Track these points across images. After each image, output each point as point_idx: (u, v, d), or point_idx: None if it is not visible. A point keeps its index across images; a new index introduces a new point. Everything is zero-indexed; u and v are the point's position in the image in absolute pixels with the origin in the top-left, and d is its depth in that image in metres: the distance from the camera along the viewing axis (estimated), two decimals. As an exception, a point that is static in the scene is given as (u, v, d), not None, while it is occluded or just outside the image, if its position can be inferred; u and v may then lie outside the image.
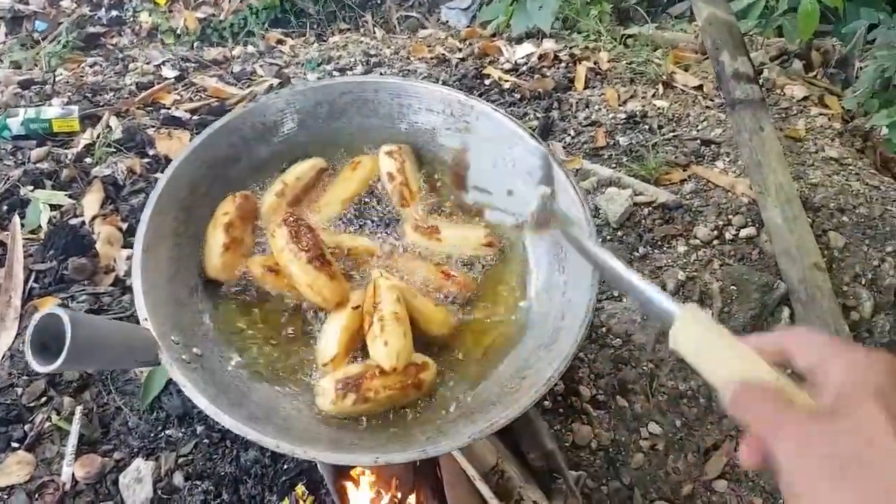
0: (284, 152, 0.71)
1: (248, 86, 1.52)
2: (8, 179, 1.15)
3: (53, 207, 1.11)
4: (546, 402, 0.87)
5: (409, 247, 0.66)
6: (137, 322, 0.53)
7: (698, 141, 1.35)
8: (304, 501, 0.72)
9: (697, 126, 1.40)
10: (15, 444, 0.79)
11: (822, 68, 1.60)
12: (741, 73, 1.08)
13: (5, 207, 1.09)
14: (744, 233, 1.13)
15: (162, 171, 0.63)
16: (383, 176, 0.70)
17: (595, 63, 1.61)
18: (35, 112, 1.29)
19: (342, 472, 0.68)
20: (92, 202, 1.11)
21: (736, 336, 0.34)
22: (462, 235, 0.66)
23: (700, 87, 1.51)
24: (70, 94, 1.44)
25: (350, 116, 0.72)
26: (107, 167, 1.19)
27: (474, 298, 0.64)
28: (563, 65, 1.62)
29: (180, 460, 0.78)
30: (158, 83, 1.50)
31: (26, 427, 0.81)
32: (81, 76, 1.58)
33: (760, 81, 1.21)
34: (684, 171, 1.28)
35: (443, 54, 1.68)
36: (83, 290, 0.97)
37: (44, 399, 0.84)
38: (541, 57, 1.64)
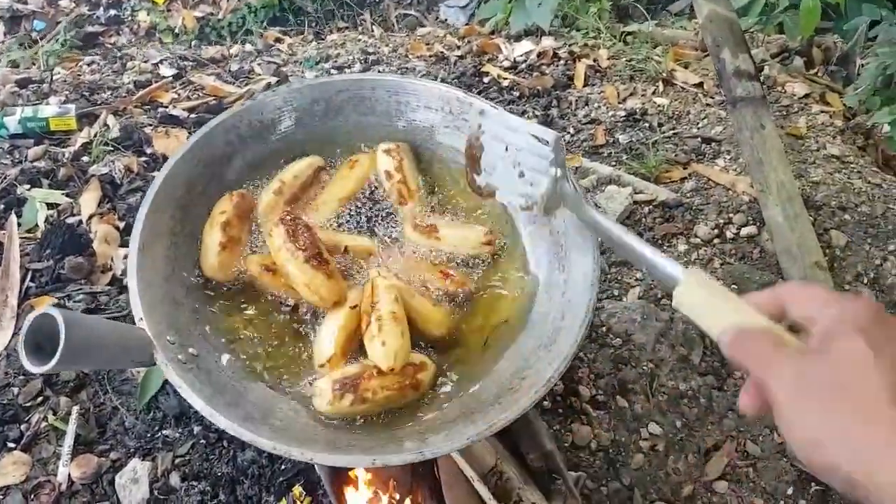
0: (282, 150, 0.70)
1: (246, 84, 1.52)
2: (5, 178, 1.15)
3: (50, 206, 1.10)
4: (545, 403, 0.87)
5: (408, 245, 0.66)
6: (133, 322, 0.52)
7: (699, 139, 1.34)
8: (302, 502, 0.72)
9: (698, 124, 1.39)
10: (11, 444, 0.79)
11: (823, 65, 1.59)
12: (742, 71, 1.07)
13: (2, 206, 1.09)
14: (745, 231, 1.12)
15: (159, 170, 0.62)
16: (381, 174, 0.69)
17: (594, 60, 1.60)
18: (32, 111, 1.29)
19: (339, 473, 0.67)
20: (89, 201, 1.10)
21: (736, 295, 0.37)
22: (461, 234, 0.66)
23: (700, 85, 1.50)
24: (67, 92, 1.44)
25: (347, 114, 0.71)
26: (104, 166, 1.18)
27: (473, 298, 0.63)
28: (562, 62, 1.61)
29: (177, 461, 0.78)
30: (156, 82, 1.50)
31: (22, 427, 0.80)
32: (79, 75, 1.57)
33: (761, 79, 1.20)
34: (684, 169, 1.27)
35: (441, 52, 1.68)
36: (80, 289, 0.97)
37: (40, 399, 0.83)
38: (540, 54, 1.64)
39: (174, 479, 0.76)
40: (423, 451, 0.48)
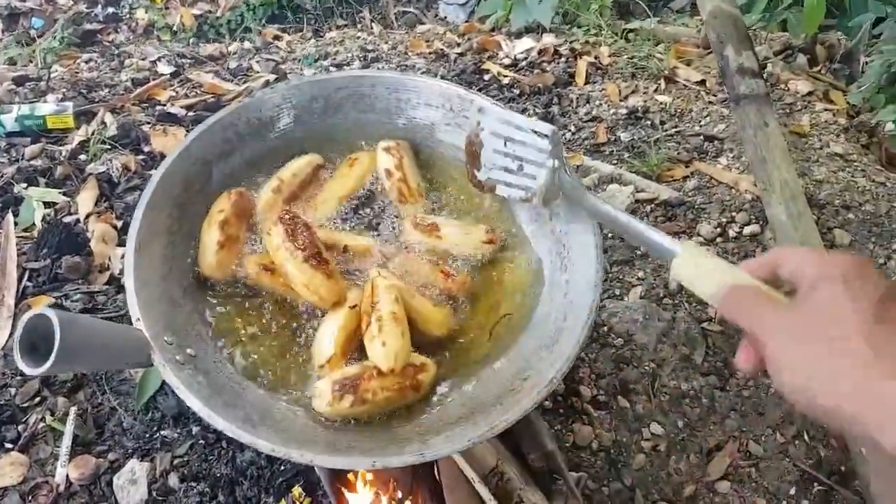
0: (280, 148, 0.69)
1: (245, 82, 1.51)
2: (1, 177, 1.14)
3: (47, 205, 1.09)
4: (546, 403, 0.86)
5: (408, 244, 0.65)
6: (131, 322, 0.52)
7: (701, 137, 1.33)
8: (301, 503, 0.71)
9: (700, 121, 1.38)
10: (8, 445, 0.78)
11: (826, 63, 1.58)
12: (746, 68, 1.06)
13: (-1, 205, 1.08)
14: (748, 230, 1.11)
15: (157, 168, 0.61)
16: (381, 172, 0.68)
17: (596, 58, 1.59)
18: (29, 108, 1.28)
19: (339, 474, 0.67)
20: (86, 200, 1.09)
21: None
22: (462, 233, 0.65)
23: (703, 82, 1.49)
24: (65, 90, 1.43)
25: (346, 112, 0.70)
26: (101, 164, 1.17)
27: (475, 297, 0.62)
28: (563, 59, 1.60)
29: (175, 461, 0.77)
30: (154, 79, 1.49)
31: (20, 428, 0.80)
32: (76, 72, 1.56)
33: (764, 76, 1.19)
34: (687, 167, 1.26)
35: (441, 49, 1.67)
36: (77, 288, 0.96)
37: (37, 399, 0.83)
38: (541, 52, 1.63)
39: (173, 479, 0.75)
40: (423, 453, 0.47)
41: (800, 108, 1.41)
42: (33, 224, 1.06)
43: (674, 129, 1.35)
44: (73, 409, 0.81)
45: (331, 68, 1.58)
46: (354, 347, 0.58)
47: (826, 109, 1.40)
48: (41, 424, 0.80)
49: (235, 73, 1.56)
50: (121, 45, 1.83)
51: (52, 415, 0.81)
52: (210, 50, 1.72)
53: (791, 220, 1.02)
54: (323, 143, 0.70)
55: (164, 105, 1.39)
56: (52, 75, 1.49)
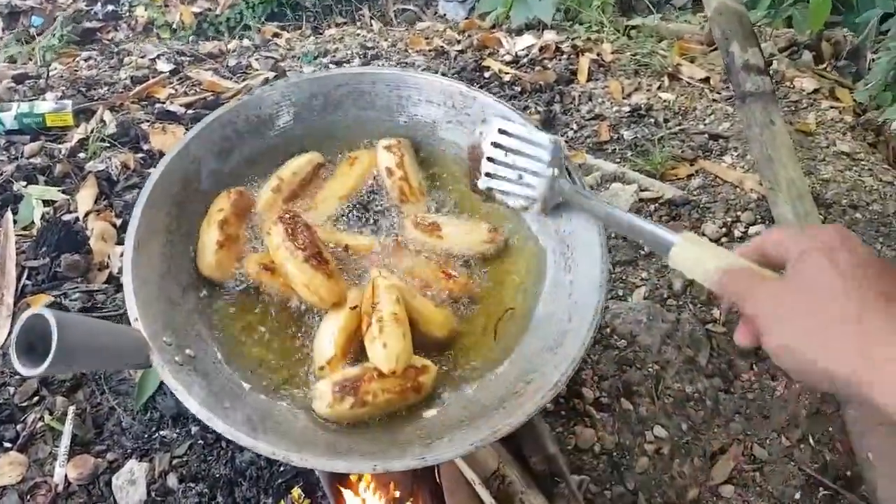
0: (280, 146, 0.68)
1: (244, 79, 1.50)
2: (1, 175, 1.13)
3: (46, 203, 1.09)
4: (548, 405, 0.85)
5: (410, 244, 0.64)
6: (129, 321, 0.51)
7: (706, 135, 1.32)
8: (302, 505, 0.71)
9: (704, 119, 1.37)
10: (7, 445, 0.78)
11: (832, 60, 1.57)
12: (752, 65, 1.05)
13: (-2, 203, 1.08)
14: (753, 230, 1.10)
15: (156, 166, 0.60)
16: (382, 171, 0.67)
17: (598, 55, 1.58)
18: (28, 106, 1.27)
19: (339, 475, 0.66)
20: (85, 198, 1.09)
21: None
22: (464, 232, 0.64)
23: (707, 80, 1.48)
24: (64, 88, 1.42)
25: (346, 109, 0.69)
26: (100, 162, 1.17)
27: (476, 299, 0.62)
28: (565, 57, 1.59)
29: (174, 462, 0.77)
30: (153, 77, 1.48)
31: (18, 427, 0.79)
32: (76, 70, 1.56)
33: (769, 73, 1.18)
34: (691, 165, 1.25)
35: (441, 46, 1.66)
36: (76, 287, 0.95)
37: (36, 399, 0.82)
38: (542, 49, 1.61)
39: (172, 480, 0.75)
40: (425, 457, 0.47)
41: (805, 106, 1.40)
42: (32, 222, 1.06)
43: (678, 127, 1.34)
44: (71, 409, 0.80)
45: (330, 66, 1.57)
46: (355, 349, 0.57)
47: (832, 107, 1.39)
48: (40, 424, 0.79)
49: (235, 71, 1.55)
50: (120, 43, 1.83)
51: (51, 414, 0.80)
52: (209, 48, 1.71)
53: (798, 220, 1.01)
54: (323, 140, 0.69)
55: (164, 103, 1.38)
56: (51, 73, 1.49)
